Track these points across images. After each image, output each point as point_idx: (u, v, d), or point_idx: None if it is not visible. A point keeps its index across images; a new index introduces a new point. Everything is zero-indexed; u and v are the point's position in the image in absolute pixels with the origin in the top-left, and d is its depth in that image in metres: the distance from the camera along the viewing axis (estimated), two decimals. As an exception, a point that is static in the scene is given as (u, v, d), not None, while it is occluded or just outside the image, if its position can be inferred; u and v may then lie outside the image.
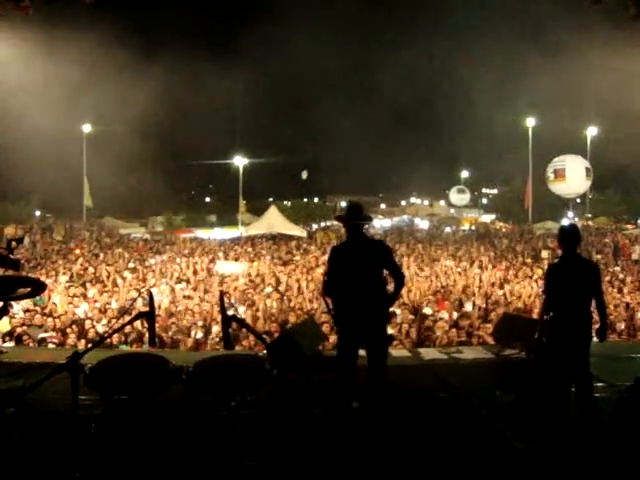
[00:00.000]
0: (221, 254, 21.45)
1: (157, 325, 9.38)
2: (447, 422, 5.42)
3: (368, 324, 5.45)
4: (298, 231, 30.93)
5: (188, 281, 15.92)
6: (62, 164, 36.72)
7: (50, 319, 11.08)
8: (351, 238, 5.67)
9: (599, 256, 20.66)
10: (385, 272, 5.67)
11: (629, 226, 36.61)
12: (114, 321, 10.69)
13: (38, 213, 46.57)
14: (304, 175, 40.71)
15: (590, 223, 37.04)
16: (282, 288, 14.45)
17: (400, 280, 5.68)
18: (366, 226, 5.90)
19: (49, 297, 12.84)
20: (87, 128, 39.47)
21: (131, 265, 18.40)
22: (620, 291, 14.52)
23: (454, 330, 10.00)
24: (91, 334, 10.25)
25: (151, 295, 4.83)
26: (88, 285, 15.05)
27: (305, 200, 68.41)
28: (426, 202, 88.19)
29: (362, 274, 5.47)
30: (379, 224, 52.40)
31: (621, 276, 16.91)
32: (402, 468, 4.47)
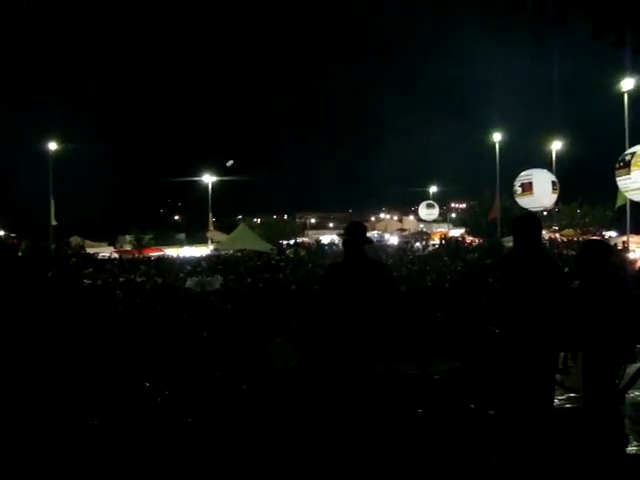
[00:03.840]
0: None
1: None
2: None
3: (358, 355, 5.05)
4: (268, 248, 30.72)
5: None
6: (29, 183, 36.05)
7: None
8: (351, 258, 5.28)
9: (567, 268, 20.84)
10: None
11: (595, 238, 37.21)
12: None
13: (2, 233, 45.72)
14: (229, 163, 41.12)
15: (557, 235, 37.83)
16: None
17: (396, 310, 5.37)
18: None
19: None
20: (53, 146, 38.57)
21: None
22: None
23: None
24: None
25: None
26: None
27: (275, 217, 68.37)
28: (395, 217, 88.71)
29: (362, 297, 5.07)
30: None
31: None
32: None
